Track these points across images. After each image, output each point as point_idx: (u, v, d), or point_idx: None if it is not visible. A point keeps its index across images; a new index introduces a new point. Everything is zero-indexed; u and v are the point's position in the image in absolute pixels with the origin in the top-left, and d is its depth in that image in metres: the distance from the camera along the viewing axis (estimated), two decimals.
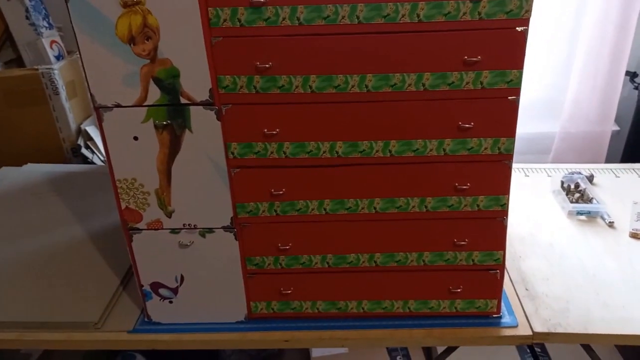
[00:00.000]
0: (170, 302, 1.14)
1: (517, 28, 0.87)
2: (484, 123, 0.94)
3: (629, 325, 1.08)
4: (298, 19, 0.88)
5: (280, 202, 1.03)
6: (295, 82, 0.92)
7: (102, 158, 1.98)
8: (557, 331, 1.07)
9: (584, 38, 1.79)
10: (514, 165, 1.13)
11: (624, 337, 1.07)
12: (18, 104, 1.81)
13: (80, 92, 1.99)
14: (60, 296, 1.21)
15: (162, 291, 1.13)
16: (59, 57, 1.88)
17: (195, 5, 0.88)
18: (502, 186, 0.99)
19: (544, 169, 1.70)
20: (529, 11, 0.85)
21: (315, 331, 1.12)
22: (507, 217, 1.02)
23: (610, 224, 1.40)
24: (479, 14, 0.86)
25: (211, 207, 1.04)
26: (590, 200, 1.48)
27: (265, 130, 0.97)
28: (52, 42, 1.85)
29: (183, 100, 0.95)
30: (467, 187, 0.99)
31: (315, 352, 1.57)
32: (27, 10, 1.80)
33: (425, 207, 1.01)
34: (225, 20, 0.88)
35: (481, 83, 0.91)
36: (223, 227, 1.06)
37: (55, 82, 1.78)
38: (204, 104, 0.95)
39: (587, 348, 1.19)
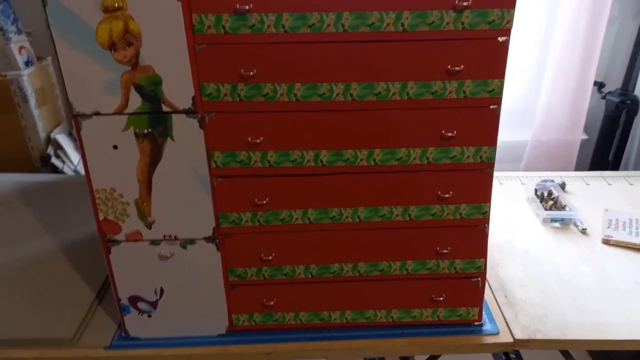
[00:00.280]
0: (149, 316, 1.11)
1: (498, 38, 0.88)
2: (467, 132, 0.95)
3: (605, 330, 1.10)
4: (283, 26, 0.87)
5: (264, 212, 1.02)
6: (280, 90, 0.92)
7: (72, 167, 1.93)
8: (536, 337, 1.09)
9: (554, 49, 1.84)
10: None
11: (600, 342, 1.09)
12: None
13: (50, 99, 1.94)
14: (32, 311, 1.16)
15: (140, 305, 1.10)
16: (28, 63, 1.82)
17: (178, 11, 0.86)
18: (483, 194, 1.01)
19: (518, 177, 1.73)
20: (510, 22, 0.87)
21: (298, 343, 1.11)
22: (488, 225, 1.03)
23: (583, 231, 1.44)
24: (462, 24, 0.87)
25: (193, 217, 1.02)
26: (563, 208, 1.52)
27: (249, 138, 0.95)
28: (21, 47, 1.80)
29: (165, 108, 0.93)
30: (450, 195, 0.99)
31: None
32: None
33: (409, 215, 1.02)
34: (209, 27, 0.87)
35: (464, 92, 0.92)
36: (205, 238, 1.04)
37: (24, 89, 1.73)
38: (187, 112, 0.94)
39: (564, 352, 1.21)
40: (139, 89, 0.92)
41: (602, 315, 1.14)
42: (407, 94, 0.92)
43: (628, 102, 1.87)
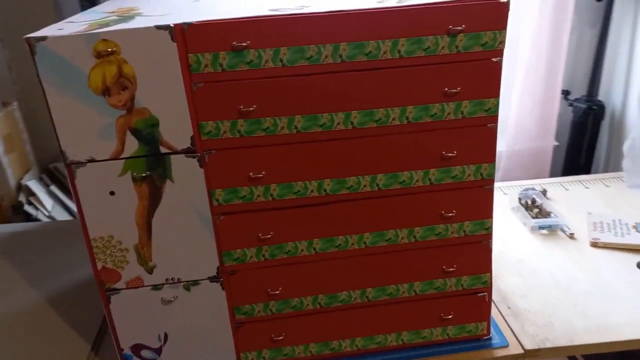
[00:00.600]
0: None
1: (492, 59, 0.90)
2: (466, 151, 0.96)
3: (610, 333, 1.12)
4: (281, 60, 0.87)
5: (269, 246, 1.00)
6: (281, 123, 0.91)
7: (46, 213, 1.86)
8: (546, 346, 1.10)
9: (521, 62, 1.90)
10: None
11: (608, 344, 1.11)
12: None
13: (18, 145, 1.88)
14: None
15: (144, 353, 1.06)
16: None
17: (174, 52, 0.85)
18: (485, 210, 1.02)
19: (499, 187, 1.77)
20: (502, 42, 0.89)
21: None
22: (491, 239, 1.05)
23: (571, 236, 1.47)
24: (457, 47, 0.89)
25: (195, 258, 1.00)
26: (548, 215, 1.55)
27: (251, 173, 0.94)
28: None
29: (163, 150, 0.91)
30: (453, 214, 1.00)
31: None
32: None
33: (414, 237, 1.02)
34: (206, 66, 0.86)
35: (462, 113, 0.93)
36: (209, 278, 1.02)
37: None
38: (186, 152, 0.92)
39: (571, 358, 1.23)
40: (136, 132, 0.90)
41: (604, 318, 1.16)
42: (407, 118, 0.93)
43: (594, 107, 1.94)
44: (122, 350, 1.05)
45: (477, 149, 0.96)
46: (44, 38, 0.83)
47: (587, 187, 1.74)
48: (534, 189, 1.69)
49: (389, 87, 0.90)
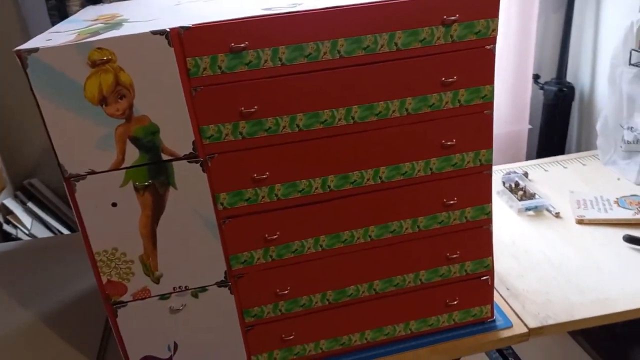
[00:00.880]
0: None
1: (486, 46, 0.92)
2: (465, 138, 0.98)
3: (606, 305, 1.17)
4: (280, 59, 0.87)
5: (276, 247, 1.00)
6: (282, 122, 0.91)
7: (26, 232, 1.80)
8: (548, 323, 1.13)
9: None
10: None
11: (605, 317, 1.15)
12: None
13: None
14: None
15: None
16: None
17: (171, 57, 0.84)
18: (485, 195, 1.04)
19: None
20: (495, 30, 0.91)
21: None
22: (492, 223, 1.07)
23: (557, 215, 1.52)
24: (452, 37, 0.90)
25: (202, 264, 0.99)
26: (533, 196, 1.60)
27: (255, 175, 0.94)
28: None
29: (164, 157, 0.90)
30: (455, 201, 1.02)
31: None
32: None
33: (418, 227, 1.03)
34: (205, 69, 0.85)
35: (459, 101, 0.95)
36: (217, 283, 1.01)
37: None
38: (188, 158, 0.91)
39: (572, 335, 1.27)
40: (135, 140, 0.88)
41: (599, 292, 1.20)
42: (406, 109, 0.94)
43: (564, 89, 2.00)
44: None
45: (475, 136, 0.98)
46: (35, 50, 0.80)
47: (565, 167, 1.80)
48: (515, 172, 1.73)
49: (388, 80, 0.91)
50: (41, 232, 1.84)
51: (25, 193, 1.95)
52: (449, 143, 0.97)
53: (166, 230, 0.95)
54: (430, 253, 1.06)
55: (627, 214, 1.45)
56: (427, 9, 0.88)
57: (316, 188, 0.97)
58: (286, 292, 1.03)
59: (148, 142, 0.88)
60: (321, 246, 1.01)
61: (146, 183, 0.91)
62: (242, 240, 0.98)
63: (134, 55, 0.83)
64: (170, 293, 0.99)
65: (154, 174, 0.90)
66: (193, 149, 0.90)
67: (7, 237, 1.76)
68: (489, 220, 1.06)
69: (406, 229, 1.03)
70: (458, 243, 1.07)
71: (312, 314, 1.07)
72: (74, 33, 0.88)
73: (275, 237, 0.99)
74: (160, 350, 1.04)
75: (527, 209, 1.55)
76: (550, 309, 1.17)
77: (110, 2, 1.37)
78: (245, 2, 0.98)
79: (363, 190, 0.99)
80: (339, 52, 0.88)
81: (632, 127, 1.66)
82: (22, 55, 0.80)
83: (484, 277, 1.11)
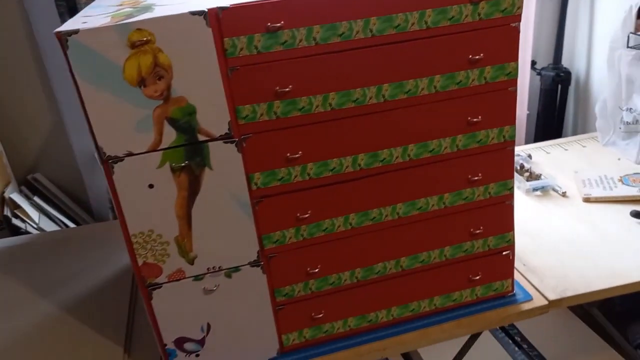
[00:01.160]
0: (197, 355, 1.07)
1: (511, 24, 0.95)
2: (490, 115, 1.01)
3: (620, 277, 1.21)
4: (315, 39, 0.88)
5: (307, 225, 1.01)
6: (315, 101, 0.93)
7: (35, 225, 1.79)
8: (567, 295, 1.17)
9: None
10: None
11: (622, 287, 1.19)
12: None
13: None
14: None
15: (187, 345, 1.06)
16: None
17: (209, 37, 0.85)
18: (508, 171, 1.07)
19: None
20: (520, 7, 0.94)
21: (352, 349, 1.11)
22: (513, 199, 1.10)
23: (564, 194, 1.56)
24: (479, 15, 0.93)
25: (236, 244, 1.00)
26: (539, 177, 1.64)
27: (288, 154, 0.95)
28: None
29: (201, 138, 0.91)
30: (479, 177, 1.05)
31: None
32: None
33: (444, 203, 1.06)
34: (242, 49, 0.87)
35: (485, 78, 0.98)
36: (249, 263, 1.02)
37: None
38: (224, 138, 0.92)
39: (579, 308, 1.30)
40: (173, 122, 0.89)
41: (613, 265, 1.25)
42: (435, 87, 0.96)
43: (561, 74, 2.05)
44: (165, 345, 1.04)
45: (499, 113, 1.01)
46: (75, 31, 0.81)
47: (566, 149, 1.84)
48: (519, 154, 1.77)
49: (418, 59, 0.94)
50: (49, 226, 1.83)
51: (29, 188, 1.93)
52: (474, 120, 1.00)
53: (201, 211, 0.96)
54: (454, 229, 1.09)
55: (632, 191, 1.50)
56: None
57: (347, 167, 0.99)
58: (316, 270, 1.05)
59: (185, 123, 0.89)
60: (350, 224, 1.04)
61: (183, 164, 0.92)
62: (274, 220, 1.00)
63: (173, 36, 0.84)
64: (204, 274, 1.01)
65: (190, 154, 0.92)
66: (228, 130, 0.91)
67: (16, 231, 1.74)
68: (511, 196, 1.09)
69: (432, 205, 1.06)
70: (481, 218, 1.09)
71: (341, 292, 1.09)
72: (108, 16, 0.89)
73: (306, 216, 1.00)
74: (194, 331, 1.05)
75: (535, 189, 1.59)
76: (568, 282, 1.21)
77: None
78: None
79: (392, 168, 1.01)
80: (371, 30, 0.90)
81: (631, 109, 1.71)
82: (62, 38, 0.81)
83: (505, 252, 1.14)
